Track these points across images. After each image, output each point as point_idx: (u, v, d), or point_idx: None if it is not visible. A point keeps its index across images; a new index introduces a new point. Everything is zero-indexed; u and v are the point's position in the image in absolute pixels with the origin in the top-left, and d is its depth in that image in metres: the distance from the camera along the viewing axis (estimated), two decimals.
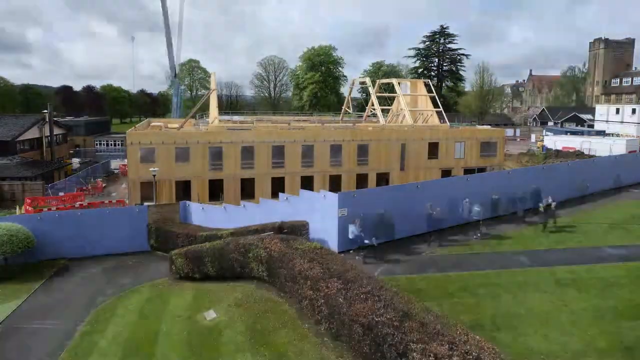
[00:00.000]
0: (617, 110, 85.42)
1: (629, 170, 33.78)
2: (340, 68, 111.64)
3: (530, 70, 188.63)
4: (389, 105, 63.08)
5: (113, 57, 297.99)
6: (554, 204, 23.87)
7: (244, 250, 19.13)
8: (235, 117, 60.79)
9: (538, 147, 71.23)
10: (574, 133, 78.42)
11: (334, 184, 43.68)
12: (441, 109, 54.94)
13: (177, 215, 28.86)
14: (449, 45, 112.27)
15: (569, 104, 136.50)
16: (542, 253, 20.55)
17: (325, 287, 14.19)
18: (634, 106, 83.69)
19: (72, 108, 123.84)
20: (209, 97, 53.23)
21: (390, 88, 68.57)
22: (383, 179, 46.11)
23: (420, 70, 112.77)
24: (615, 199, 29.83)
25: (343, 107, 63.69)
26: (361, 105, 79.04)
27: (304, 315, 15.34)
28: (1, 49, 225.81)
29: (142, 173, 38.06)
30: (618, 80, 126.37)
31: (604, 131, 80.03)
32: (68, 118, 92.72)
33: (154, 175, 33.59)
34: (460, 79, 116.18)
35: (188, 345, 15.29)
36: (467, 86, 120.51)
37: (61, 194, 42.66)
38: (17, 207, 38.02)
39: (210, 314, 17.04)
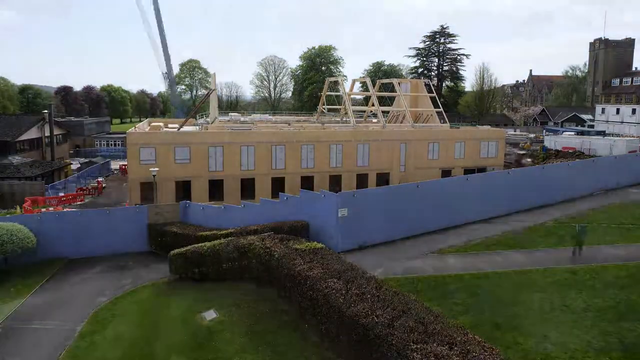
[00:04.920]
0: (617, 111, 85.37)
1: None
2: (340, 68, 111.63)
3: (531, 70, 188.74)
4: (389, 105, 63.04)
5: None
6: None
7: (244, 250, 19.14)
8: (233, 114, 60.66)
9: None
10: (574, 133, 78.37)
11: (334, 184, 43.67)
12: (441, 109, 54.89)
13: (177, 215, 28.82)
14: (449, 45, 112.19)
15: (569, 104, 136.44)
16: (542, 253, 20.54)
17: (325, 287, 14.18)
18: (634, 106, 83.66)
19: (72, 108, 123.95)
20: (209, 97, 53.23)
21: (390, 88, 68.55)
22: (383, 179, 46.09)
23: (420, 70, 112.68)
24: (615, 200, 29.81)
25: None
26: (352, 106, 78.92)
27: (304, 315, 15.33)
28: None
29: (142, 173, 38.02)
30: (618, 80, 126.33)
31: (604, 131, 79.98)
32: (68, 118, 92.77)
33: (154, 175, 33.53)
34: (460, 79, 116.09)
35: (188, 345, 15.28)
36: (467, 86, 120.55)
37: (61, 194, 42.63)
38: (17, 207, 37.99)
39: (210, 314, 17.03)
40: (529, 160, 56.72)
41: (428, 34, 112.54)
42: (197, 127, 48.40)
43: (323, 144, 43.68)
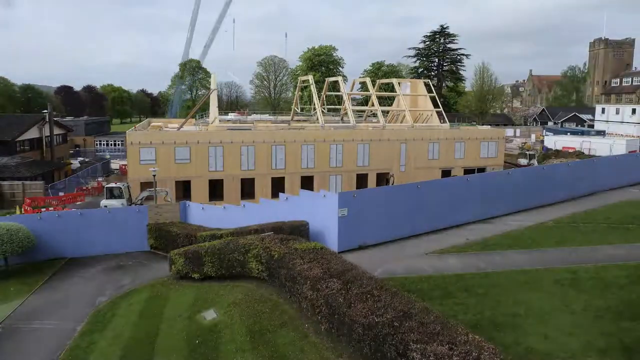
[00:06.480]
0: (617, 111, 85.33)
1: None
2: (340, 68, 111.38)
3: (530, 70, 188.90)
4: (389, 106, 63.06)
5: None
6: None
7: (244, 250, 19.15)
8: (232, 115, 60.76)
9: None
10: (574, 133, 78.43)
11: (334, 184, 43.69)
12: (441, 109, 54.94)
13: (177, 215, 28.84)
14: (449, 45, 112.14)
15: (569, 104, 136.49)
16: (542, 253, 20.54)
17: (325, 287, 14.19)
18: (634, 106, 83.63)
19: (72, 108, 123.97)
20: (209, 97, 53.28)
21: (390, 88, 68.57)
22: (383, 179, 46.12)
23: (420, 70, 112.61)
24: (615, 199, 29.81)
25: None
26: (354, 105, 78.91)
27: (304, 315, 15.33)
28: None
29: (142, 173, 38.05)
30: (618, 80, 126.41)
31: (604, 131, 80.00)
32: (68, 118, 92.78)
33: (154, 175, 33.56)
34: (461, 79, 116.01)
35: (188, 345, 15.28)
36: (468, 86, 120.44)
37: (61, 194, 42.65)
38: (17, 207, 38.00)
39: (210, 314, 17.03)
40: (524, 161, 56.75)
41: (428, 34, 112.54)
42: (197, 127, 48.45)
43: (323, 144, 43.72)
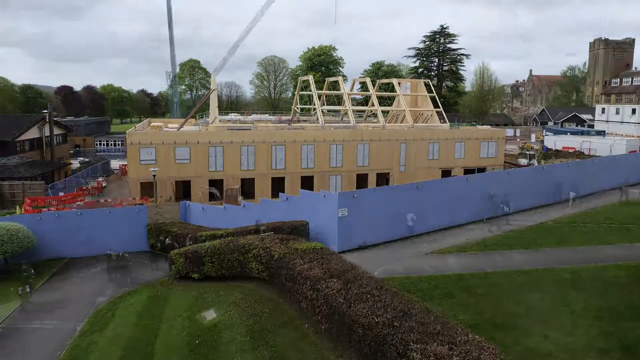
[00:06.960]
0: (617, 111, 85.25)
1: None
2: (340, 68, 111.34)
3: (531, 71, 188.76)
4: (389, 106, 63.02)
5: None
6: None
7: (244, 250, 19.16)
8: (233, 115, 60.76)
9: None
10: (574, 133, 78.43)
11: (334, 184, 43.68)
12: (441, 109, 54.89)
13: (177, 215, 28.84)
14: (449, 45, 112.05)
15: (569, 104, 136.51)
16: (542, 253, 20.55)
17: (325, 287, 14.19)
18: (634, 106, 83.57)
19: (72, 108, 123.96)
20: (208, 97, 53.26)
21: (390, 88, 68.54)
22: (383, 179, 46.12)
23: (420, 70, 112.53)
24: (615, 199, 29.82)
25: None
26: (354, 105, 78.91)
27: (304, 315, 15.34)
28: None
29: (142, 173, 38.05)
30: (618, 80, 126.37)
31: (604, 131, 79.98)
32: (68, 118, 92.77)
33: (154, 175, 33.55)
34: (461, 79, 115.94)
35: (188, 345, 15.28)
36: (468, 86, 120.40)
37: (61, 194, 42.61)
38: (17, 207, 37.98)
39: (210, 314, 17.04)
40: (523, 161, 56.75)
41: (428, 34, 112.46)
42: (197, 127, 48.44)
43: (323, 144, 43.71)
